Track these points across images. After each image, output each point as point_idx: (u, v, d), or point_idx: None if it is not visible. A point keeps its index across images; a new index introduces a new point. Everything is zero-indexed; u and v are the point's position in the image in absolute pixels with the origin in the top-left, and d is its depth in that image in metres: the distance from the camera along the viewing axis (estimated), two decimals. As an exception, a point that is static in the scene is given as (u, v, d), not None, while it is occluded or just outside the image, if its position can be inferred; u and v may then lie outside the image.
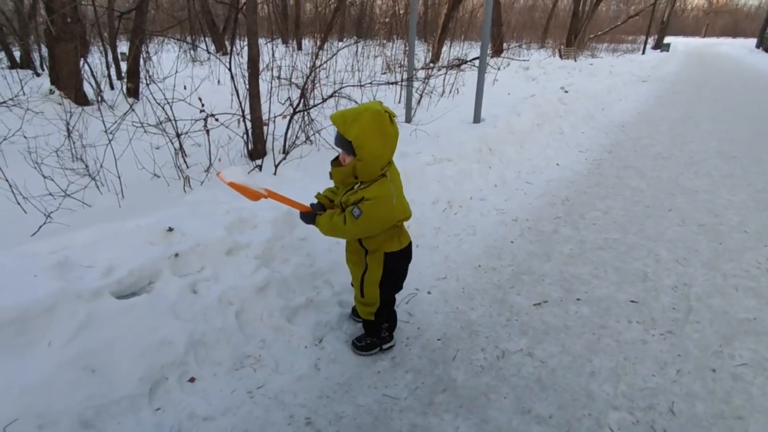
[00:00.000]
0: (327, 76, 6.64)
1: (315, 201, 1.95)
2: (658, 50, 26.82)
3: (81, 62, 5.66)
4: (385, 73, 9.32)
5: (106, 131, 3.35)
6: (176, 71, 5.21)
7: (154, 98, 3.79)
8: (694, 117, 7.88)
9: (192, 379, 1.75)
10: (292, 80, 5.54)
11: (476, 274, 2.73)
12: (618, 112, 7.85)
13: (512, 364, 2.00)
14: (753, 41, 36.36)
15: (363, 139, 1.60)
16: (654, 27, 27.90)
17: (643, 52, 23.14)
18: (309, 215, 1.87)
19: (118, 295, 1.86)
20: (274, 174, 3.62)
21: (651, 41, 27.63)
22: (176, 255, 2.08)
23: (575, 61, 15.03)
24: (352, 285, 2.13)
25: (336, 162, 1.79)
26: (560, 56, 16.51)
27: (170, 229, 2.19)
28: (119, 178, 3.21)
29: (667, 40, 29.90)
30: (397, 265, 1.90)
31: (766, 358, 2.09)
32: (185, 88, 4.52)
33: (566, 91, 7.68)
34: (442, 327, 2.23)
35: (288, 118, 4.17)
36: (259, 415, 1.65)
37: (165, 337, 1.76)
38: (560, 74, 11.08)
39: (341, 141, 1.66)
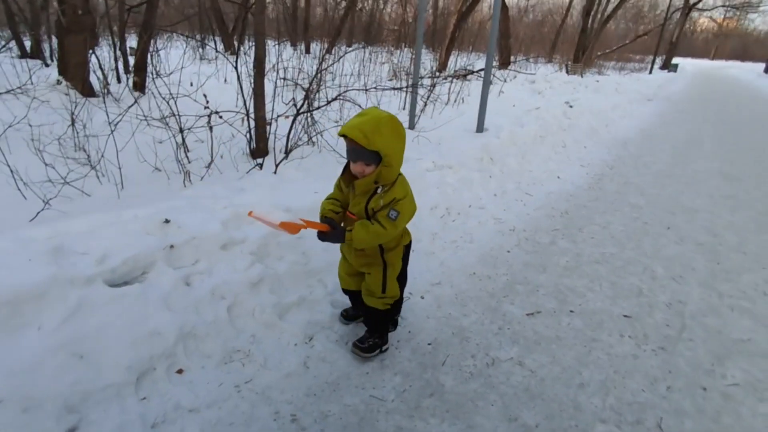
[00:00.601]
0: (333, 80, 6.68)
1: (320, 218, 1.88)
2: (666, 70, 26.93)
3: (89, 54, 5.70)
4: (391, 80, 9.37)
5: (109, 123, 3.37)
6: (182, 67, 5.26)
7: (159, 93, 3.83)
8: (698, 137, 7.90)
9: (180, 371, 1.75)
10: (298, 82, 5.58)
11: (471, 281, 2.73)
12: (622, 129, 7.87)
13: (502, 372, 1.99)
14: (762, 65, 36.53)
15: (390, 147, 1.67)
16: (663, 47, 28.06)
17: (651, 72, 23.22)
18: (335, 234, 1.78)
19: (111, 283, 1.86)
20: (275, 173, 3.64)
21: (659, 61, 27.78)
22: (171, 246, 2.08)
23: (582, 77, 15.10)
24: (344, 292, 2.15)
25: (348, 175, 1.81)
26: (567, 71, 16.58)
27: (167, 221, 2.20)
28: (120, 169, 3.23)
29: (675, 60, 30.03)
30: (408, 255, 2.03)
31: (758, 379, 2.08)
32: (192, 84, 4.55)
33: (571, 106, 7.70)
34: (433, 332, 2.23)
35: (291, 118, 4.20)
36: (245, 409, 1.64)
37: (155, 327, 1.76)
38: (566, 89, 11.12)
39: (363, 153, 1.67)
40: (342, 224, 1.87)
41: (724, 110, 12.26)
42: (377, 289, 1.95)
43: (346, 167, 1.83)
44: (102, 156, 3.26)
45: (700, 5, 30.71)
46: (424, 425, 1.67)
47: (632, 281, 2.90)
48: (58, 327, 1.61)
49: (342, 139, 1.71)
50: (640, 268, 3.08)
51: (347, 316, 2.24)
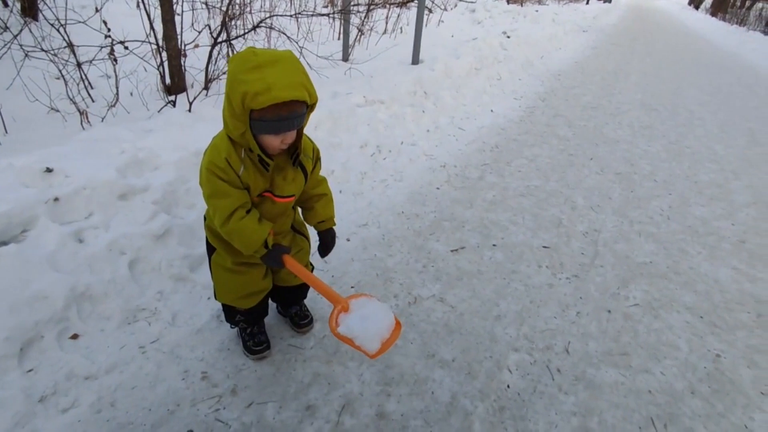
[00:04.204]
0: (262, 4, 6.06)
1: (269, 247, 1.39)
2: (602, 1, 27.10)
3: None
4: (326, 6, 8.69)
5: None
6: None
7: (46, 19, 3.27)
8: (626, 69, 8.12)
9: (75, 336, 1.60)
10: (216, 5, 4.99)
11: (398, 220, 2.70)
12: (556, 61, 7.90)
13: (423, 309, 2.01)
14: (687, -2, 37.61)
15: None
16: (600, -24, 27.96)
17: (587, 2, 23.24)
18: (326, 247, 1.57)
19: (-20, 245, 1.63)
20: (189, 111, 3.30)
21: (596, -10, 27.77)
22: (56, 199, 1.84)
23: (521, 6, 14.81)
24: (253, 311, 1.64)
25: (279, 161, 1.35)
26: (508, 1, 16.19)
27: (49, 170, 1.92)
28: (-2, 110, 2.79)
29: (611, -10, 30.19)
30: None
31: (655, 299, 2.26)
32: (97, 10, 3.88)
33: (508, 37, 7.57)
34: (357, 274, 2.19)
35: (209, 48, 3.77)
36: (150, 371, 1.55)
37: (40, 291, 1.57)
38: (505, 19, 10.89)
39: (303, 115, 1.24)
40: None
41: (651, 42, 12.64)
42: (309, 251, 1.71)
43: (261, 150, 1.27)
44: (-30, 94, 2.78)
45: (637, -69, 30.56)
46: (343, 369, 1.66)
47: (553, 212, 3.00)
48: None
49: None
50: (561, 199, 3.19)
51: (264, 348, 1.68)
